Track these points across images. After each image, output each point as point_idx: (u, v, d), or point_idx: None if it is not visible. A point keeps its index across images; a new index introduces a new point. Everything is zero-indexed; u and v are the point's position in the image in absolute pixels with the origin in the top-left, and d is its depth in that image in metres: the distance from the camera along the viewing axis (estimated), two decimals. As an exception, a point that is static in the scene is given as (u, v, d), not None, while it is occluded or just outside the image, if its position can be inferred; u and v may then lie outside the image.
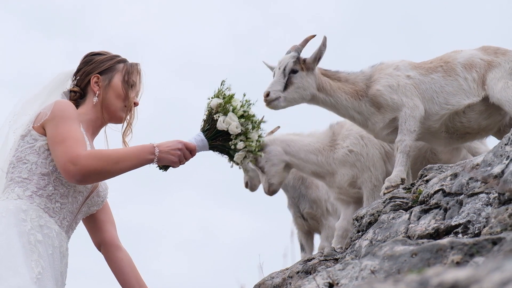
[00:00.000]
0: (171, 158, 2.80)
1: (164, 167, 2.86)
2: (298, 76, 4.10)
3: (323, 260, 3.46)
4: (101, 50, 3.10)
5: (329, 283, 2.47)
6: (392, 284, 1.15)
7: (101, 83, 2.96)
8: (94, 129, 2.96)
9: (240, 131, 2.90)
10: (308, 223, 5.11)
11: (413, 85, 4.01)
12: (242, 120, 2.92)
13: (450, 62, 4.09)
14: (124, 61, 3.07)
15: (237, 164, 3.03)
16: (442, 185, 3.07)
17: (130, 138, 3.06)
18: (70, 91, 2.98)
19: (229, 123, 2.88)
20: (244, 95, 3.01)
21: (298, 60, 4.14)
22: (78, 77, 3.00)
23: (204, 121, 2.98)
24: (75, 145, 2.65)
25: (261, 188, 4.77)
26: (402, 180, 3.76)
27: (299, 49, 4.20)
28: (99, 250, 3.09)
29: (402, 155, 3.85)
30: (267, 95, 4.03)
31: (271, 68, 4.39)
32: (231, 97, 2.95)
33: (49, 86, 2.95)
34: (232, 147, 2.91)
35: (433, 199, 3.04)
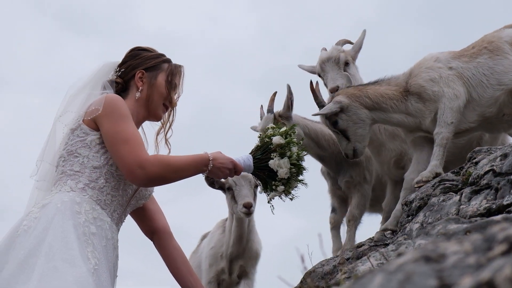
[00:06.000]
0: (220, 174, 2.93)
1: (209, 177, 2.99)
2: (340, 122, 4.00)
3: (373, 246, 3.46)
4: (148, 47, 3.14)
5: (383, 263, 2.48)
6: (456, 242, 1.16)
7: (146, 79, 3.01)
8: (136, 124, 2.99)
9: (286, 178, 3.02)
10: (343, 191, 4.89)
11: (456, 76, 3.89)
12: (293, 168, 3.03)
13: (495, 41, 3.96)
14: (169, 61, 3.12)
15: (268, 197, 3.15)
16: (492, 165, 3.04)
17: (171, 135, 3.13)
18: (115, 81, 3.01)
19: (281, 167, 2.99)
20: (300, 143, 3.13)
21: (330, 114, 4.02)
22: (123, 70, 3.04)
23: (258, 148, 3.09)
24: (139, 147, 2.73)
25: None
26: (437, 175, 3.64)
27: (319, 102, 4.17)
28: (151, 239, 3.15)
29: (439, 148, 3.74)
30: (347, 156, 4.05)
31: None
32: (293, 142, 3.06)
33: (95, 78, 2.98)
34: (273, 187, 3.04)
35: (483, 179, 3.01)
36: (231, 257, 4.99)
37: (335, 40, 4.75)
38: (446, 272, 1.06)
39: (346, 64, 4.49)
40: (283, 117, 4.45)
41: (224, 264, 5.02)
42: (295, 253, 2.35)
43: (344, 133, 4.01)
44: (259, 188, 3.19)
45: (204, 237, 5.65)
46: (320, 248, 2.94)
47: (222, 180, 4.65)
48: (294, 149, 3.06)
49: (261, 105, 4.63)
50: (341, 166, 4.69)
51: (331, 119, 4.01)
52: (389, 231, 3.68)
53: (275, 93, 4.50)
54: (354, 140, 3.99)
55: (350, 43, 4.74)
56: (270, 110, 4.48)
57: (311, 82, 4.20)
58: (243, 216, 4.67)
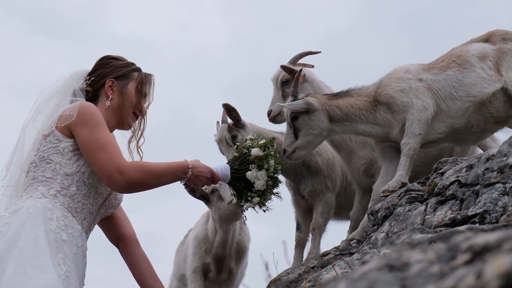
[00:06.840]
0: (198, 182, 2.97)
1: (187, 185, 3.15)
2: (300, 120, 3.95)
3: (338, 255, 3.46)
4: (118, 55, 3.17)
5: (348, 272, 2.47)
6: (420, 251, 1.16)
7: (116, 88, 3.02)
8: None
9: (262, 190, 3.08)
10: (307, 201, 4.86)
11: (425, 87, 3.91)
12: (269, 181, 3.10)
13: (463, 55, 4.03)
14: (139, 70, 3.14)
15: (242, 208, 3.21)
16: (458, 176, 3.07)
17: (143, 143, 3.15)
18: (85, 90, 3.01)
19: (258, 179, 3.06)
20: (277, 157, 3.19)
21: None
22: (93, 78, 3.04)
23: (236, 159, 3.15)
24: (117, 154, 2.76)
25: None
26: (403, 184, 3.64)
27: (294, 91, 4.09)
28: (117, 246, 3.16)
29: (405, 159, 3.75)
30: (284, 152, 3.95)
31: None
32: (271, 155, 3.13)
33: (65, 86, 2.98)
34: (249, 198, 3.09)
35: (449, 190, 3.04)
36: (216, 257, 4.97)
37: (306, 49, 4.74)
38: (409, 280, 1.05)
39: (285, 82, 4.53)
40: (237, 127, 4.59)
41: (210, 260, 4.99)
42: (260, 261, 2.34)
43: (296, 131, 3.97)
44: (233, 195, 3.23)
45: (190, 231, 5.63)
46: (285, 256, 2.95)
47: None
48: (272, 162, 3.11)
49: (217, 121, 4.77)
50: (301, 176, 4.68)
51: (292, 112, 3.99)
52: (355, 240, 3.68)
53: (224, 105, 4.58)
54: (300, 143, 3.94)
55: (312, 53, 4.73)
56: (224, 121, 4.66)
57: (300, 70, 4.21)
58: (233, 209, 4.53)
